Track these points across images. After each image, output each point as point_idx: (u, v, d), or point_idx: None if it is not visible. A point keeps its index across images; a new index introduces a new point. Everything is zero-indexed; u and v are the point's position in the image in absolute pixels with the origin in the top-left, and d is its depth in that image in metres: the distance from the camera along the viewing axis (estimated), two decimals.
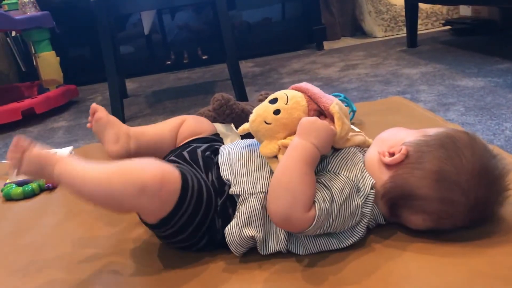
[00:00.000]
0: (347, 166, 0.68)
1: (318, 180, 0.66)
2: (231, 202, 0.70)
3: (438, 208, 0.63)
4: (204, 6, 2.78)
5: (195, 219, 0.67)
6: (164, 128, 0.89)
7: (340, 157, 0.69)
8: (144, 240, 0.78)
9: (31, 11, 2.07)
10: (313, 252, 0.67)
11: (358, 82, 1.80)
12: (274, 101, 0.72)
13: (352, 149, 0.71)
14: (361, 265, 0.64)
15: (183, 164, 0.73)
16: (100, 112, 0.89)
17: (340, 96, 1.26)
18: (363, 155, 0.72)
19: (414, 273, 0.60)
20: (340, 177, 0.66)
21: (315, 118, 0.67)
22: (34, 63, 2.16)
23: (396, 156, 0.66)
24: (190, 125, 0.88)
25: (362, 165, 0.69)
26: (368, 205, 0.66)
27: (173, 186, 0.64)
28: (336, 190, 0.64)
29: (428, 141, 0.66)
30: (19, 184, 1.11)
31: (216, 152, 0.78)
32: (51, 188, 1.10)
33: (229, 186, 0.70)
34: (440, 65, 1.86)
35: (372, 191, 0.66)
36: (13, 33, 2.44)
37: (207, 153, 0.77)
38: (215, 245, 0.70)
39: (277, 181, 0.64)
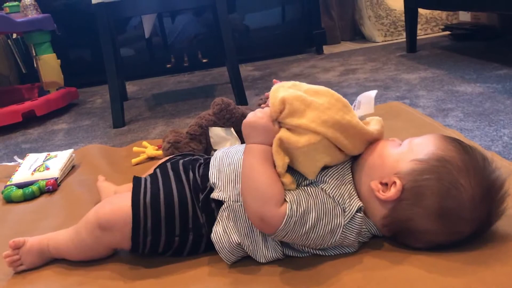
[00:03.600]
0: (336, 184, 0.66)
1: (302, 189, 0.65)
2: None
3: (444, 238, 0.63)
4: (205, 9, 2.79)
5: (160, 227, 0.70)
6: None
7: (329, 175, 0.67)
8: None
9: (33, 14, 2.08)
10: (309, 255, 0.68)
11: (357, 86, 1.80)
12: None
13: (342, 166, 0.69)
14: (358, 269, 0.64)
15: (160, 173, 0.76)
16: (98, 182, 1.03)
17: None
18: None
19: (412, 277, 0.61)
20: (325, 193, 0.65)
21: (250, 116, 0.68)
22: (35, 65, 2.17)
23: (392, 193, 0.63)
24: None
25: (352, 187, 0.67)
26: (354, 228, 0.65)
27: (124, 215, 0.70)
28: (317, 201, 0.64)
29: (421, 172, 0.62)
30: (20, 186, 1.11)
31: (205, 158, 0.81)
32: (51, 191, 1.11)
33: (212, 184, 0.72)
34: (439, 70, 1.87)
35: (359, 214, 0.65)
36: (14, 35, 2.44)
37: (195, 157, 0.80)
38: (204, 244, 0.71)
39: (243, 187, 0.66)
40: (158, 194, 0.72)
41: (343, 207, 0.65)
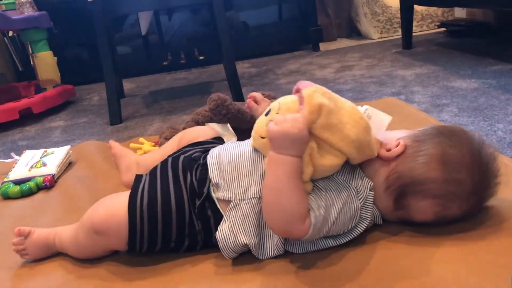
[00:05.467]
0: (344, 169, 0.68)
1: (315, 184, 0.65)
2: (210, 203, 0.70)
3: (446, 189, 0.65)
4: (201, 7, 2.79)
5: (156, 233, 0.70)
6: (167, 148, 0.92)
7: None
8: None
9: (29, 11, 2.08)
10: (310, 250, 0.68)
11: (353, 83, 1.81)
12: (267, 113, 0.69)
13: None
14: (355, 262, 0.65)
15: (160, 172, 0.75)
16: (114, 149, 0.96)
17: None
18: None
19: (407, 269, 0.61)
20: (338, 180, 0.66)
21: (282, 123, 0.62)
22: (32, 63, 2.17)
23: (396, 148, 0.67)
24: (189, 135, 0.91)
25: (359, 169, 0.69)
26: (368, 207, 0.67)
27: (118, 219, 0.70)
28: (333, 195, 0.65)
29: (423, 131, 0.69)
30: (17, 182, 1.12)
31: (205, 152, 0.78)
32: (48, 187, 1.11)
33: (209, 188, 0.70)
34: (434, 66, 1.87)
35: (371, 192, 0.67)
36: (11, 33, 2.44)
37: (195, 154, 0.78)
38: (199, 247, 0.72)
39: (267, 202, 0.63)
40: (155, 199, 0.70)
41: (356, 189, 0.66)
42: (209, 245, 0.71)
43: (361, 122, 0.65)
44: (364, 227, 0.68)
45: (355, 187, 0.67)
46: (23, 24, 2.01)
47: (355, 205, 0.66)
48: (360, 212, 0.67)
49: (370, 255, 0.66)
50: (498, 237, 0.65)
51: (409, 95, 1.51)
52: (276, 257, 0.68)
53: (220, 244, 0.67)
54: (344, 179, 0.67)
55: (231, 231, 0.67)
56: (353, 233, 0.68)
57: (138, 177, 0.75)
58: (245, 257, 0.69)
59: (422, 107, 1.36)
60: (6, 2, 2.13)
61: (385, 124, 0.73)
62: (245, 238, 0.66)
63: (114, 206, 0.71)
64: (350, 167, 0.68)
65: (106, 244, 0.72)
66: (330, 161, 0.63)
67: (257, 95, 0.94)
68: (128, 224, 0.69)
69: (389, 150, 0.68)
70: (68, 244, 0.76)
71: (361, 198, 0.66)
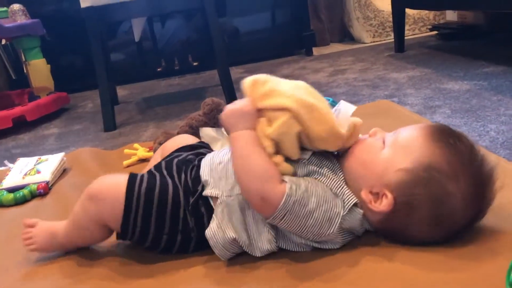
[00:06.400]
0: (332, 178, 0.67)
1: (303, 178, 0.66)
2: (204, 201, 0.71)
3: (439, 238, 0.64)
4: (194, 13, 2.80)
5: (150, 220, 0.70)
6: (151, 164, 0.96)
7: (324, 174, 0.67)
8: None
9: (21, 19, 2.08)
10: (303, 250, 0.68)
11: (346, 86, 1.82)
12: None
13: (332, 166, 0.69)
14: (347, 262, 0.65)
15: (155, 171, 0.76)
16: None
17: (329, 100, 1.28)
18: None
19: (399, 269, 0.62)
20: (324, 185, 0.66)
21: (231, 106, 0.70)
22: (25, 71, 2.16)
23: (384, 206, 0.63)
24: (170, 145, 0.92)
25: (345, 185, 0.67)
26: (354, 221, 0.66)
27: (116, 192, 0.71)
28: (317, 188, 0.65)
29: (410, 184, 0.62)
30: (11, 190, 1.11)
31: (199, 155, 0.80)
32: (42, 194, 1.11)
33: (203, 186, 0.72)
34: (427, 69, 1.89)
35: (359, 210, 0.66)
36: (3, 41, 2.43)
37: (190, 157, 0.80)
38: (193, 245, 0.72)
39: (236, 169, 0.67)
40: (154, 187, 0.71)
41: (342, 199, 0.65)
42: (203, 247, 0.71)
43: (300, 85, 0.68)
44: (353, 236, 0.68)
45: (341, 198, 0.65)
46: (16, 32, 2.01)
47: (337, 209, 0.64)
48: (345, 225, 0.65)
49: (362, 255, 0.66)
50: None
51: (402, 97, 1.52)
52: (271, 258, 0.68)
53: (211, 242, 0.68)
54: (332, 186, 0.66)
55: (219, 227, 0.68)
56: (343, 241, 0.68)
57: (133, 174, 0.75)
58: (240, 259, 0.69)
59: (415, 109, 1.37)
60: None
61: (350, 113, 0.69)
62: (234, 233, 0.67)
63: (114, 180, 0.73)
64: (338, 181, 0.67)
65: (97, 213, 0.72)
66: (279, 122, 0.65)
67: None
68: (124, 201, 0.70)
69: (375, 194, 0.65)
70: (67, 226, 0.77)
71: (345, 208, 0.65)
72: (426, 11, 2.91)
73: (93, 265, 0.75)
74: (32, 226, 0.80)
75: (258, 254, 0.69)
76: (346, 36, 3.19)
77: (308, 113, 0.64)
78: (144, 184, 0.71)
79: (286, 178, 0.65)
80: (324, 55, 2.75)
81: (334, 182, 0.66)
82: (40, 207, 1.05)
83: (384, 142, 0.69)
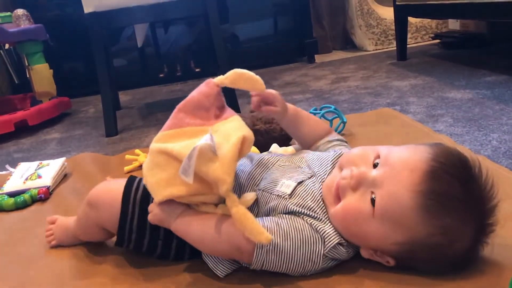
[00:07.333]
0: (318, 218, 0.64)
1: (281, 216, 0.64)
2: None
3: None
4: (197, 19, 2.81)
5: (145, 226, 0.70)
6: None
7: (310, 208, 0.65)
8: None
9: (25, 24, 2.09)
10: None
11: (348, 94, 1.82)
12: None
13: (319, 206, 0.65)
14: (352, 265, 0.64)
15: None
16: None
17: (331, 107, 1.28)
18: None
19: (408, 276, 0.61)
20: (303, 221, 0.63)
21: (152, 210, 0.68)
22: (27, 76, 2.17)
23: (387, 263, 0.62)
24: None
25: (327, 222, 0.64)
26: (340, 254, 0.63)
27: (113, 199, 0.72)
28: (292, 230, 0.62)
29: (410, 251, 0.59)
30: (11, 195, 1.11)
31: None
32: (43, 199, 1.10)
33: None
34: (429, 77, 1.89)
35: (344, 250, 0.63)
36: (7, 46, 2.45)
37: None
38: (188, 252, 0.71)
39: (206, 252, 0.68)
40: (149, 196, 0.70)
41: (322, 236, 0.62)
42: (199, 252, 0.69)
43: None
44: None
45: (322, 234, 0.62)
46: (19, 37, 2.02)
47: (317, 249, 0.62)
48: (330, 256, 0.63)
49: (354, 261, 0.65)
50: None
51: (404, 105, 1.52)
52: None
53: (202, 255, 0.68)
54: (312, 223, 0.63)
55: None
56: (335, 263, 0.65)
57: (132, 177, 0.76)
58: (237, 274, 0.68)
59: (417, 117, 1.37)
60: (2, 15, 2.14)
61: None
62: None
63: (112, 187, 0.76)
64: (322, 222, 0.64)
65: (97, 219, 0.74)
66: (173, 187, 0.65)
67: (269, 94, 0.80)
68: (120, 205, 0.71)
69: (375, 251, 0.63)
70: (74, 224, 0.81)
71: (327, 247, 0.62)
72: (429, 20, 2.92)
73: (93, 270, 0.75)
74: (53, 222, 0.86)
75: (257, 268, 0.66)
76: (348, 43, 3.20)
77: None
78: (140, 192, 0.72)
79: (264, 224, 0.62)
80: (326, 63, 2.75)
81: (318, 221, 0.63)
82: (41, 212, 1.05)
83: (371, 201, 0.60)
